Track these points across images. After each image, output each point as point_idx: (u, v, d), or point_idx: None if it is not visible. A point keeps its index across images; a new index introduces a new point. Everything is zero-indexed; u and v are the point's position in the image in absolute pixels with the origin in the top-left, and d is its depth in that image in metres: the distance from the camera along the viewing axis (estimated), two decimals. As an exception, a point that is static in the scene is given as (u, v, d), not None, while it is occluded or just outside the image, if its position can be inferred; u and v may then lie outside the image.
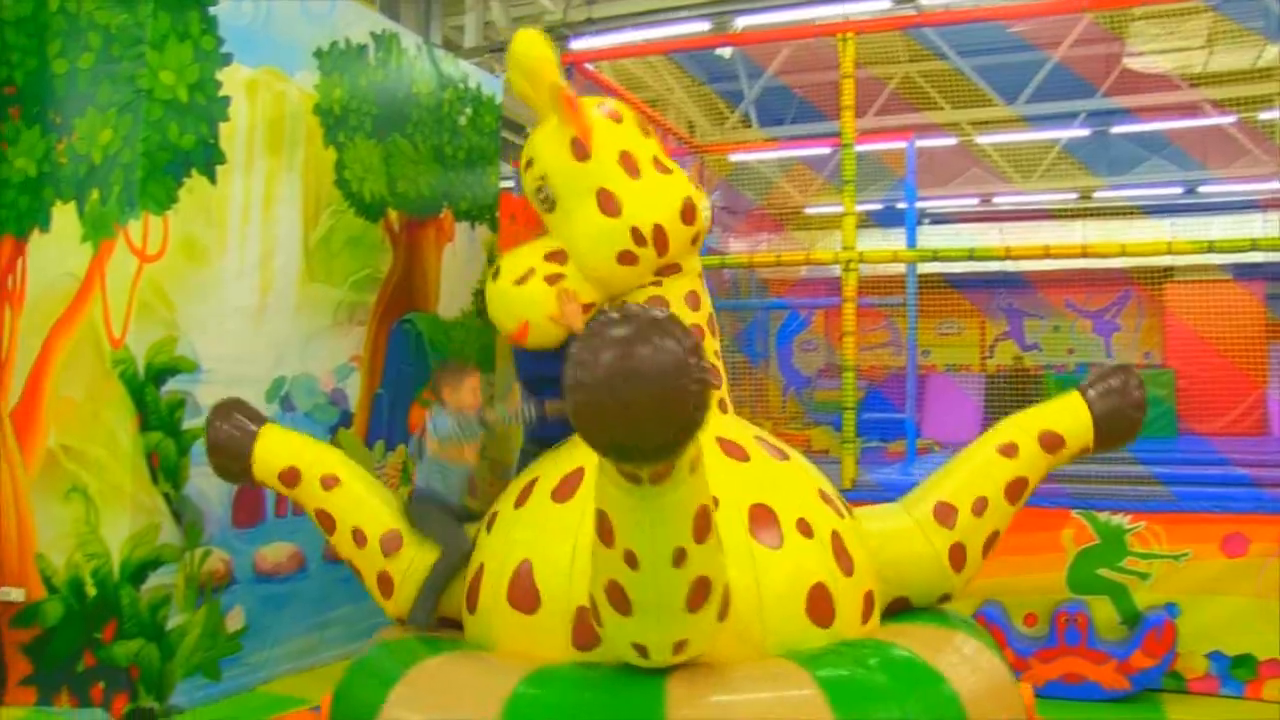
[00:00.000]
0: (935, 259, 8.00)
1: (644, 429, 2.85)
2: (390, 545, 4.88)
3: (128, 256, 5.81)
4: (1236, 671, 6.16)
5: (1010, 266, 16.23)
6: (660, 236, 4.69)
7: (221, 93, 6.22)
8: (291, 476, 5.06)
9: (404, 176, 7.74)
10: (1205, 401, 16.13)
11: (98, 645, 5.73)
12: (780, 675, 3.81)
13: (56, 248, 6.02)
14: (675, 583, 3.37)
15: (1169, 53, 13.79)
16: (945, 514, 4.68)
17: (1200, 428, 15.61)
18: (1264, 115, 15.18)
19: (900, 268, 11.94)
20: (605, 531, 3.32)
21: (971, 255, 8.03)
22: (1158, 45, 13.72)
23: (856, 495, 5.25)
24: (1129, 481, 7.26)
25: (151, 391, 5.81)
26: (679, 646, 3.61)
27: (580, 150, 4.73)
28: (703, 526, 3.32)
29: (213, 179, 6.17)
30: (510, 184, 10.31)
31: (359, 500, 5.02)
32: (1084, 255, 7.54)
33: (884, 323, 18.79)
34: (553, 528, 4.26)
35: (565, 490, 4.37)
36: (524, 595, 4.17)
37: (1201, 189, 18.83)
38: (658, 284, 4.83)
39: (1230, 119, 16.16)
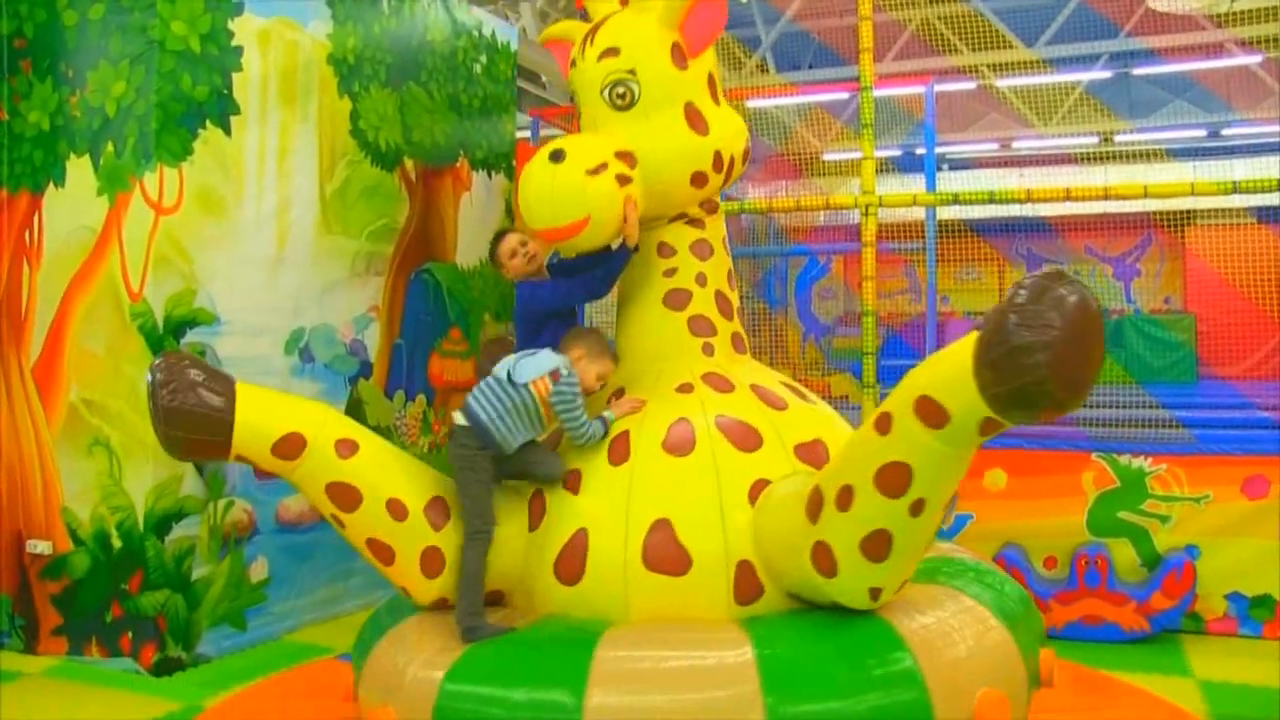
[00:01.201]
0: (955, 202, 7.93)
1: (1089, 381, 3.00)
2: (438, 516, 4.20)
3: (144, 209, 5.81)
4: (1255, 612, 6.17)
5: (1030, 211, 16.12)
6: (730, 168, 4.56)
7: (234, 43, 6.19)
8: (293, 445, 4.06)
9: (419, 125, 7.70)
10: (1227, 345, 16.04)
11: (125, 596, 5.80)
12: (950, 596, 4.03)
13: (72, 202, 6.03)
14: (935, 526, 3.59)
15: (1195, -10, 13.59)
16: None
17: (1222, 372, 15.54)
18: (1291, 54, 14.99)
19: (919, 213, 11.86)
20: (897, 483, 3.35)
21: (992, 198, 7.94)
22: (1182, -17, 13.52)
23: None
24: (1150, 425, 7.23)
25: (171, 344, 5.82)
26: (903, 585, 3.80)
27: (680, 58, 4.45)
28: None
29: (227, 130, 6.15)
30: (526, 133, 10.23)
31: (389, 466, 4.24)
32: (1106, 197, 7.42)
33: (903, 269, 18.70)
34: (685, 484, 4.06)
35: (679, 444, 4.15)
36: (669, 557, 3.94)
37: (1225, 131, 18.61)
38: (700, 223, 4.68)
39: (1256, 59, 15.93)
